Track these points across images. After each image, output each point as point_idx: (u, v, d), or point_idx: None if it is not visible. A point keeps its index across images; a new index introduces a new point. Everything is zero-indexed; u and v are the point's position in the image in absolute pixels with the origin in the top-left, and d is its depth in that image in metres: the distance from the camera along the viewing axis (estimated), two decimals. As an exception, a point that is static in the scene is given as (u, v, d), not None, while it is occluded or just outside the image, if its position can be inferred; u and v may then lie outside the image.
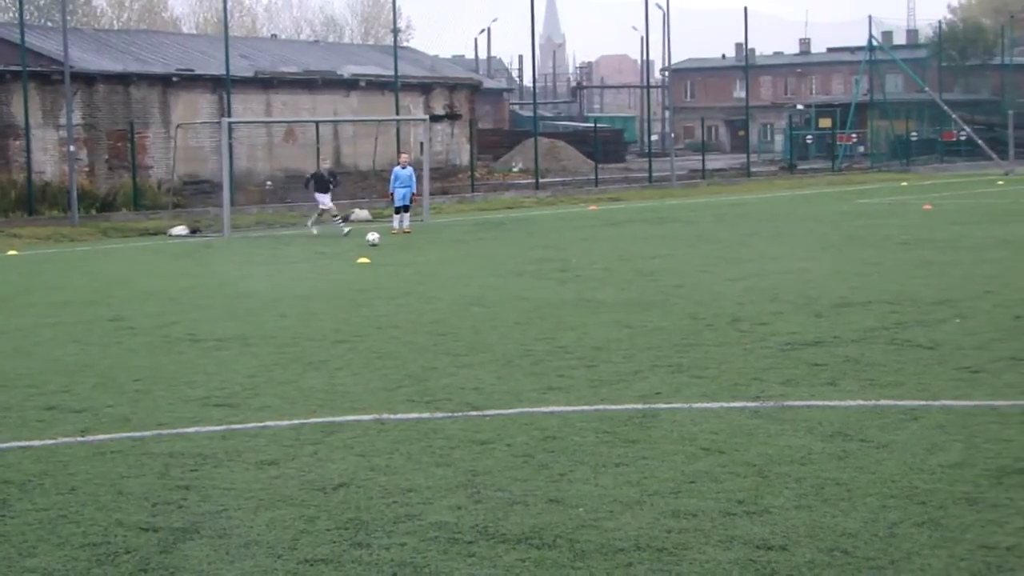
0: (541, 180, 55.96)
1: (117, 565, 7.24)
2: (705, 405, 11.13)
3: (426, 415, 11.01)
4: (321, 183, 35.19)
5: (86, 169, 46.02)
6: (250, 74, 53.49)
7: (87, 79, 46.85)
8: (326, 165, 36.92)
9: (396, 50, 55.87)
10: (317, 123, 51.26)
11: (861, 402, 11.09)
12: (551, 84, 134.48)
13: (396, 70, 53.62)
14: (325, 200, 35.06)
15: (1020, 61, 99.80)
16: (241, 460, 9.56)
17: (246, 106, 52.45)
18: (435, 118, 58.46)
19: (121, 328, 16.95)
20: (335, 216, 35.36)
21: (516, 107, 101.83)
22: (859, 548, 7.20)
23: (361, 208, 41.67)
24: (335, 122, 54.57)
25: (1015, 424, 10.09)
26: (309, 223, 35.43)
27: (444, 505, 8.24)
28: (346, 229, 34.46)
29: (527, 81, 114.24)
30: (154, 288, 22.11)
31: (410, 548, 7.40)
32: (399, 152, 40.94)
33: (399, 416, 10.97)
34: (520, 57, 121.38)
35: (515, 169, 66.94)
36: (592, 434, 10.11)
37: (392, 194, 35.19)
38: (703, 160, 65.08)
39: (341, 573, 7.02)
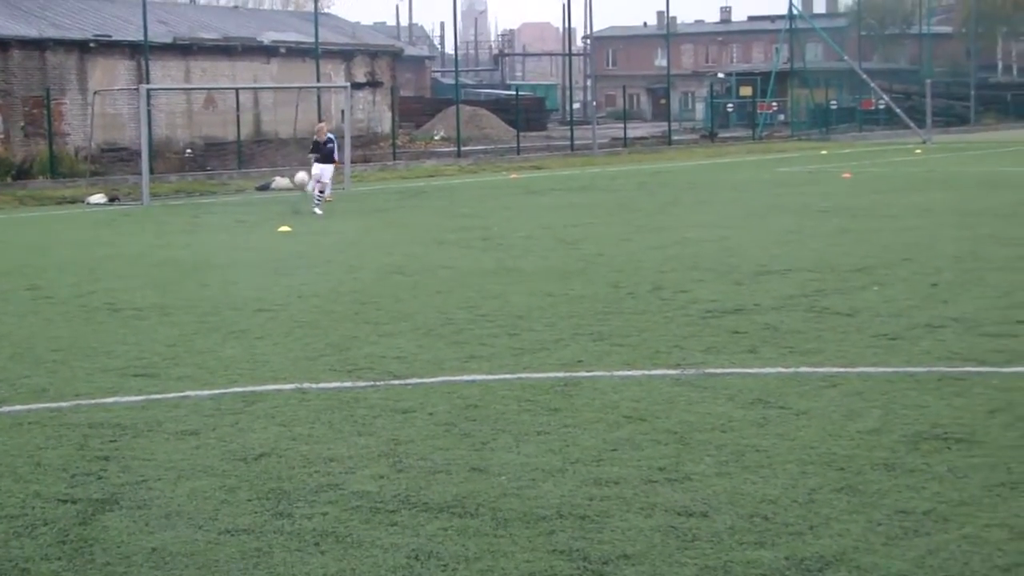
0: (463, 148, 55.85)
1: (35, 537, 7.17)
2: (627, 373, 11.18)
3: (348, 384, 10.98)
4: (324, 152, 31.09)
5: (1, 136, 45.35)
6: (169, 40, 52.87)
7: (1, 44, 46.11)
8: (326, 134, 32.10)
9: (317, 16, 55.50)
10: (237, 90, 50.80)
11: (781, 369, 11.18)
12: (473, 52, 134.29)
13: (317, 37, 53.25)
14: (324, 173, 30.67)
15: (938, 30, 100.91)
16: (161, 430, 9.49)
17: (165, 72, 51.86)
18: (356, 85, 58.12)
19: (39, 298, 16.75)
20: (321, 192, 30.53)
21: (438, 75, 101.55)
22: (779, 514, 7.27)
23: (282, 176, 41.39)
24: (255, 89, 54.12)
25: (931, 390, 10.21)
26: (315, 208, 29.79)
27: (366, 474, 8.23)
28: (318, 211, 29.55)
29: (449, 48, 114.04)
30: (72, 257, 21.88)
31: (332, 517, 7.38)
32: (319, 120, 40.67)
33: (320, 385, 10.93)
34: (442, 24, 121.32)
35: (437, 137, 66.76)
36: (514, 402, 10.13)
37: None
38: (625, 128, 65.17)
39: (262, 543, 6.99)
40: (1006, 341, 12.14)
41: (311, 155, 31.45)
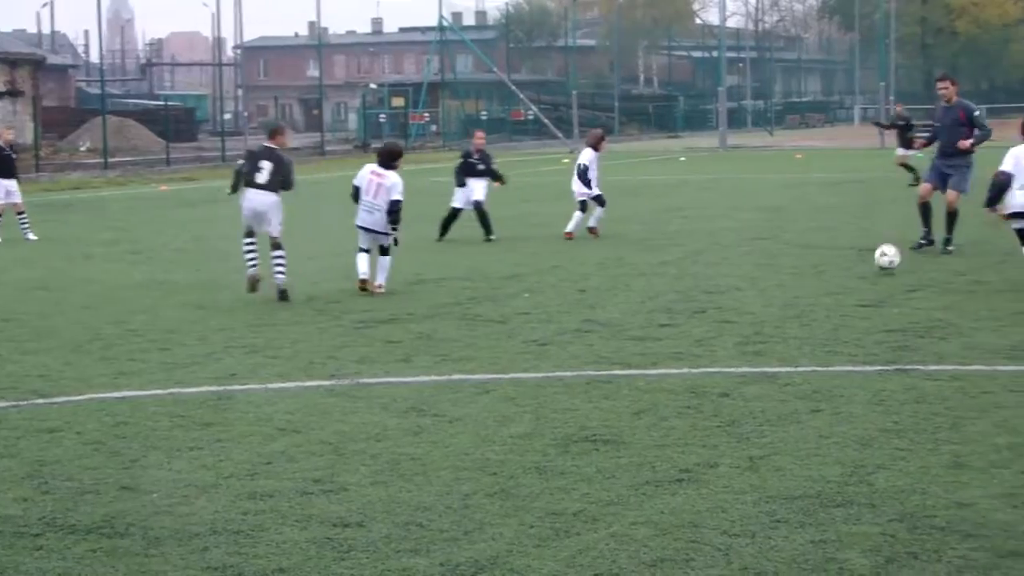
0: (110, 160, 54.48)
1: None
2: (280, 385, 11.09)
3: (-11, 405, 10.55)
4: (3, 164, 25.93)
5: None
6: None
7: None
8: (10, 135, 27.29)
9: (-48, 23, 53.26)
10: None
11: (435, 377, 11.28)
12: (120, 61, 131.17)
13: (-48, 44, 51.10)
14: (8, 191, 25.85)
15: (583, 43, 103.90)
16: None
17: None
18: (-4, 95, 56.01)
19: None
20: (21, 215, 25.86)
21: (83, 84, 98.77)
22: (434, 521, 7.32)
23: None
24: None
25: (580, 394, 10.47)
26: None
27: (9, 498, 7.92)
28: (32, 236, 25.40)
29: (94, 58, 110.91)
30: None
31: (-28, 545, 7.07)
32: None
33: (-41, 407, 10.47)
34: (86, 32, 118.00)
35: (83, 148, 64.89)
36: (166, 418, 9.92)
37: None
38: (277, 139, 64.70)
39: None
40: (650, 344, 12.56)
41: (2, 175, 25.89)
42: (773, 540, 6.92)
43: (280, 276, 16.08)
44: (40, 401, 10.66)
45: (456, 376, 11.30)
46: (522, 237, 23.40)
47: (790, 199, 31.29)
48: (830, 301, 14.99)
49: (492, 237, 22.90)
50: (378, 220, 16.51)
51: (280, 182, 16.31)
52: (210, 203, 35.44)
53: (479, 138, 24.62)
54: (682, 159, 57.71)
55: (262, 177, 16.18)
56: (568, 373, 11.32)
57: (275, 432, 9.44)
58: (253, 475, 8.33)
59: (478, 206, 23.19)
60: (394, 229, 16.51)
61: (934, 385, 10.49)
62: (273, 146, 16.52)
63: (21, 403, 10.59)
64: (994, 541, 6.85)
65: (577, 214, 23.14)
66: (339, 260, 20.19)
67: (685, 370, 11.33)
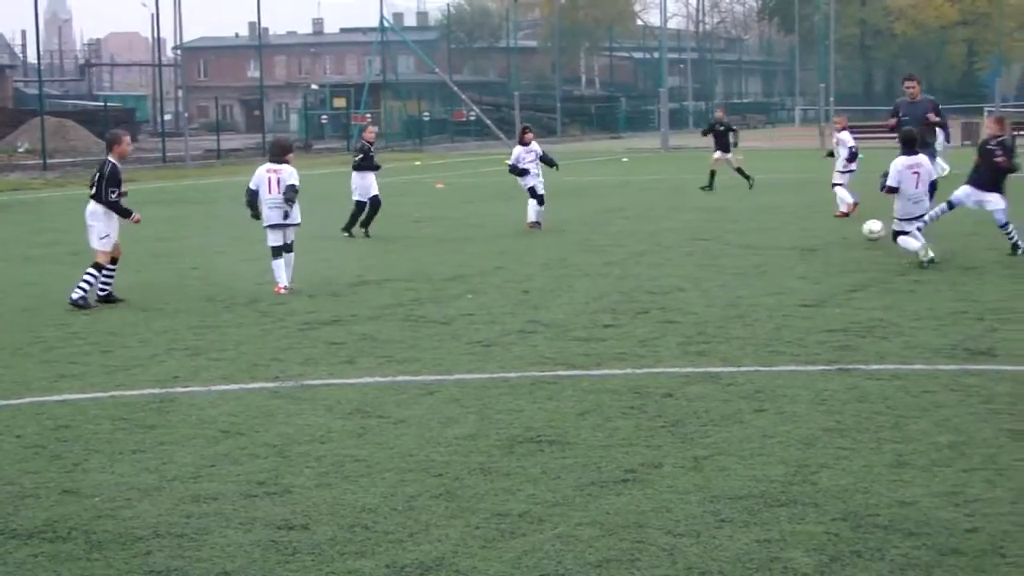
0: (49, 161, 54.00)
1: None
2: (224, 387, 11.03)
3: (-72, 409, 10.43)
4: None
5: None
6: None
7: None
8: None
9: None
10: None
11: (379, 379, 11.25)
12: (58, 61, 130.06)
13: None
14: None
15: (524, 44, 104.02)
16: None
17: None
18: (-68, 95, 55.44)
19: None
20: None
21: (20, 85, 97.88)
22: (379, 522, 7.31)
23: None
24: None
25: (524, 394, 10.47)
26: None
27: (-51, 503, 7.84)
28: None
29: (32, 58, 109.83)
30: None
31: (-88, 550, 6.99)
32: None
33: (-103, 411, 10.35)
34: (23, 32, 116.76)
35: (21, 149, 64.27)
36: (108, 421, 9.85)
37: None
38: (218, 140, 64.47)
39: None
40: (594, 345, 12.58)
41: None
42: (718, 540, 6.95)
43: (77, 291, 15.75)
44: (-20, 405, 10.57)
45: (400, 378, 11.28)
46: (465, 238, 23.39)
47: (732, 200, 31.41)
48: (772, 301, 15.07)
49: (369, 234, 23.63)
50: (287, 213, 16.79)
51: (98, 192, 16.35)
52: (150, 204, 35.20)
53: (372, 132, 25.74)
54: (624, 160, 57.85)
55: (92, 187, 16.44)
56: (512, 374, 11.32)
57: (219, 434, 9.39)
58: (196, 478, 8.28)
59: (376, 200, 23.97)
60: (288, 201, 16.63)
61: (876, 384, 10.57)
62: (110, 159, 16.67)
63: (-40, 407, 10.49)
64: (936, 539, 6.91)
65: (537, 205, 24.74)
66: (281, 261, 20.12)
67: (629, 370, 11.36)
